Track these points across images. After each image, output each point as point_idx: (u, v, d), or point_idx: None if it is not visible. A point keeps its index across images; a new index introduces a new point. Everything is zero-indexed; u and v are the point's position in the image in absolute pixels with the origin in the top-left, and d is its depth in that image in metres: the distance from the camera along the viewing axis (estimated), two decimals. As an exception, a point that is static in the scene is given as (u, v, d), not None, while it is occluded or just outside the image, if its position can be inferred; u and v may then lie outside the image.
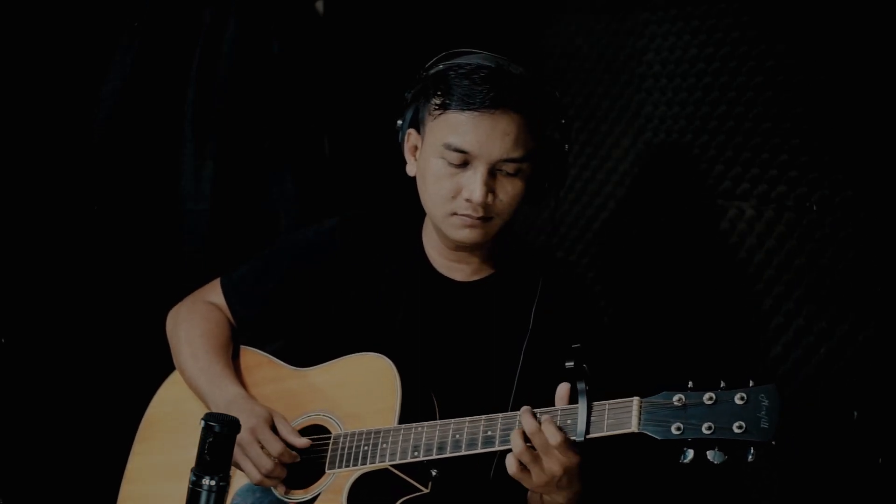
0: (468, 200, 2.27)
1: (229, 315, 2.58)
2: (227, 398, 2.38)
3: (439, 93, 2.28)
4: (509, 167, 2.27)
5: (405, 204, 2.53)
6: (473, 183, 2.26)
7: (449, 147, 2.26)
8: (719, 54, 2.78)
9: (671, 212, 2.90)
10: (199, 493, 1.91)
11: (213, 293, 2.60)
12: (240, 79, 3.24)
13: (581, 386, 2.05)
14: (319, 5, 3.49)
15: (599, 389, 2.07)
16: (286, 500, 2.33)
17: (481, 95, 2.23)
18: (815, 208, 2.58)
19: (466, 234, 2.33)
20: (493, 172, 2.27)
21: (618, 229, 3.05)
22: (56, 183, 3.17)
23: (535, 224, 3.18)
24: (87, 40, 3.17)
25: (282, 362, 2.51)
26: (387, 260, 2.49)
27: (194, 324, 2.54)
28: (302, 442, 2.29)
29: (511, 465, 2.11)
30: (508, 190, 2.29)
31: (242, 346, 2.57)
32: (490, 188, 2.27)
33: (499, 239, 2.41)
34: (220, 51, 3.23)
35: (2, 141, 3.07)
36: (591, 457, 2.13)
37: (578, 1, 3.14)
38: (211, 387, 2.43)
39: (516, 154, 2.26)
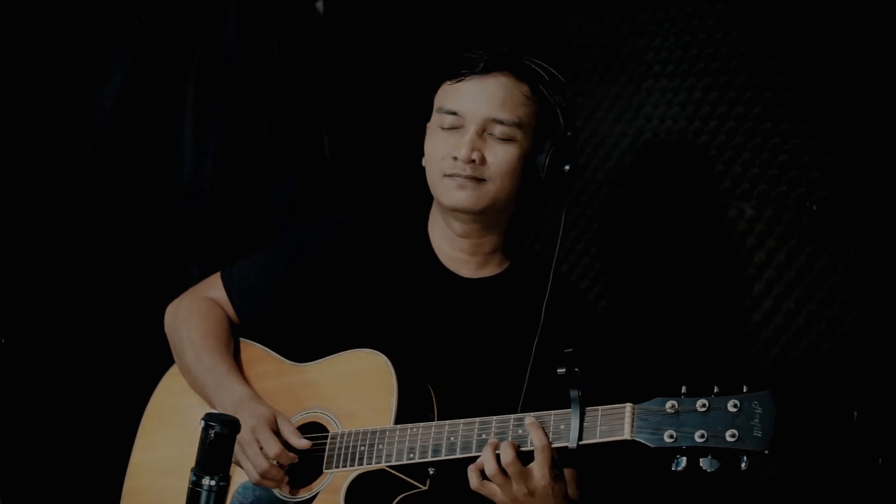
0: (455, 158, 2.34)
1: (230, 310, 2.57)
2: (233, 399, 2.37)
3: (443, 75, 2.41)
4: (498, 130, 2.34)
5: (406, 203, 2.54)
6: (460, 141, 2.34)
7: (441, 110, 2.39)
8: (719, 54, 2.78)
9: (671, 212, 2.90)
10: (199, 493, 1.91)
11: (214, 288, 2.59)
12: (240, 78, 3.24)
13: (574, 393, 2.04)
14: (319, 5, 3.50)
15: (601, 395, 2.05)
16: (284, 498, 2.33)
17: (472, 62, 2.37)
18: (815, 208, 2.58)
19: (458, 197, 2.36)
20: (483, 135, 2.35)
21: (618, 229, 3.05)
22: (56, 182, 3.17)
23: (535, 225, 3.18)
24: (87, 40, 3.17)
25: (281, 357, 2.50)
26: (393, 255, 2.50)
27: (195, 323, 2.52)
28: (302, 443, 2.28)
29: (474, 479, 2.13)
30: (499, 153, 2.35)
31: (242, 340, 2.56)
32: (477, 147, 2.34)
33: (505, 236, 2.45)
34: (219, 51, 3.23)
35: (2, 140, 3.07)
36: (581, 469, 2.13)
37: (578, 1, 3.14)
38: (217, 388, 2.42)
39: (503, 116, 2.34)
